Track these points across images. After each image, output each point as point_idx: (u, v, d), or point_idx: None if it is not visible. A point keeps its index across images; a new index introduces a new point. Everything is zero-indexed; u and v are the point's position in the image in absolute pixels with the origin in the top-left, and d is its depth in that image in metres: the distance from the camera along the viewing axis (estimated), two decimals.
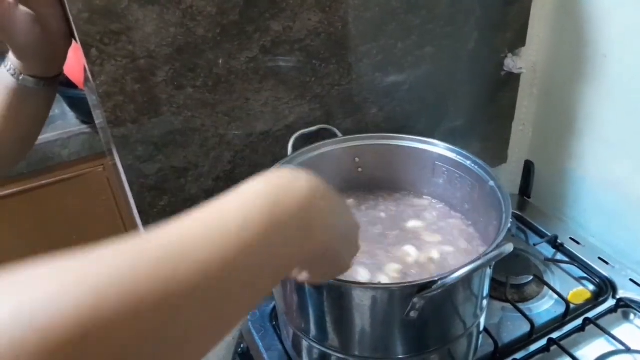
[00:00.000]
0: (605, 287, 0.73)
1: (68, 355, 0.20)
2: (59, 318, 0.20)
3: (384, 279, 0.58)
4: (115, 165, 0.64)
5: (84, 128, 1.07)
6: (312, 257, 0.36)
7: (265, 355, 0.67)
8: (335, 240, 0.37)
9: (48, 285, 0.22)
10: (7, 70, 0.54)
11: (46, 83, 0.55)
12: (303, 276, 0.42)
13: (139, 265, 0.24)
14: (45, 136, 1.04)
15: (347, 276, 0.58)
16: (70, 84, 0.96)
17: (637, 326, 0.68)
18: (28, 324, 0.20)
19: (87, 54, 0.51)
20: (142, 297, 0.23)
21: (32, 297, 0.21)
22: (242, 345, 0.78)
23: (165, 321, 0.24)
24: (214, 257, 0.26)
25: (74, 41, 0.54)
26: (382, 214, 0.68)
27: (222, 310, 0.27)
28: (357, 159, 0.68)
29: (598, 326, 0.66)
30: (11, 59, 0.54)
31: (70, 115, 1.12)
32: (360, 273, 0.58)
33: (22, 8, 0.50)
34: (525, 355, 0.64)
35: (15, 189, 1.05)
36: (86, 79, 0.58)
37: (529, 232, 0.86)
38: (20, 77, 0.53)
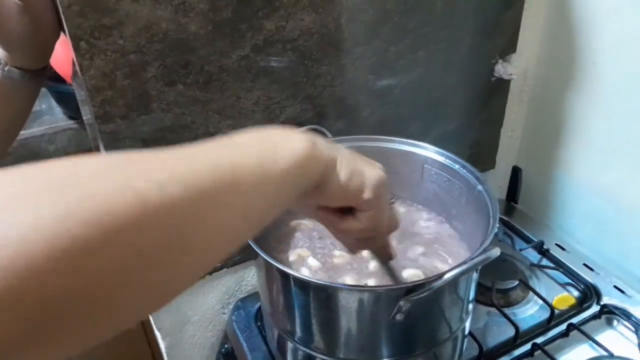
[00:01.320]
0: (589, 294, 0.73)
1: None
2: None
3: (370, 282, 0.58)
4: None
5: (71, 124, 1.06)
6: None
7: (249, 356, 0.66)
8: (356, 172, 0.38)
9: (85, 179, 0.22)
10: None
11: (32, 76, 0.54)
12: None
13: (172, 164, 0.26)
14: (31, 131, 1.02)
15: (334, 279, 0.58)
16: (58, 79, 0.95)
17: (620, 332, 0.69)
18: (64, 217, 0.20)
19: (76, 48, 0.50)
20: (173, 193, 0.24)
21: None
22: (226, 346, 0.77)
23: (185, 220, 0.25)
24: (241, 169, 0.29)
25: (62, 34, 0.53)
26: None
27: (243, 211, 0.29)
28: None
29: (582, 332, 0.67)
30: None
31: (58, 110, 1.10)
32: (345, 279, 0.58)
33: None
34: None
35: None
36: (74, 73, 0.57)
37: (516, 238, 0.87)
38: (5, 68, 0.53)
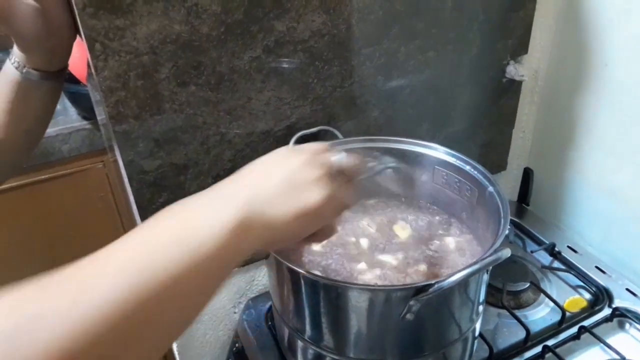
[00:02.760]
0: (601, 296, 0.73)
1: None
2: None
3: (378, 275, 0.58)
4: (115, 161, 0.64)
5: (85, 124, 1.07)
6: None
7: (260, 355, 0.67)
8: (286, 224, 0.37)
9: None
10: (12, 63, 0.54)
11: (50, 77, 0.55)
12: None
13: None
14: (46, 131, 1.04)
15: (348, 277, 0.58)
16: (72, 79, 0.97)
17: (632, 336, 0.68)
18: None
19: (91, 49, 0.51)
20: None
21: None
22: (237, 345, 0.78)
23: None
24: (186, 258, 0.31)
25: (77, 36, 0.54)
26: (379, 218, 0.68)
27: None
28: None
29: (593, 334, 0.66)
30: (15, 51, 0.54)
31: (72, 110, 1.12)
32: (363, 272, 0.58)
33: (26, 0, 0.50)
34: None
35: (14, 184, 1.05)
36: (89, 74, 0.58)
37: (527, 240, 0.87)
38: (24, 70, 0.53)
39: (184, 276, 0.30)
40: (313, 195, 0.38)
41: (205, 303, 0.34)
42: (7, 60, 0.54)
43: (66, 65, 0.58)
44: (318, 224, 0.41)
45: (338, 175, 0.40)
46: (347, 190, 0.42)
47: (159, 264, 0.30)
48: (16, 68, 0.53)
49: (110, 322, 0.26)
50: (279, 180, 0.37)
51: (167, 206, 0.34)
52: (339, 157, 0.42)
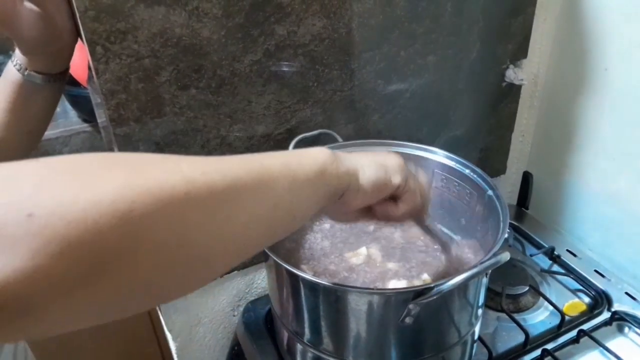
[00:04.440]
0: (600, 300, 0.73)
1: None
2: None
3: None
4: None
5: (85, 127, 1.07)
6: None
7: (259, 358, 0.67)
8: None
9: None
10: (14, 65, 0.54)
11: (51, 79, 0.55)
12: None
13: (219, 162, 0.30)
14: (46, 133, 1.03)
15: (345, 280, 0.58)
16: (72, 82, 0.97)
17: (631, 339, 0.68)
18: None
19: (92, 52, 0.51)
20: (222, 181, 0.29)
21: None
22: (236, 348, 0.78)
23: (232, 207, 0.29)
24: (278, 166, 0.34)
25: (79, 39, 0.55)
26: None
27: (274, 210, 0.33)
28: None
29: (592, 338, 0.66)
30: (17, 54, 0.54)
31: (72, 113, 1.12)
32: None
33: (27, 3, 0.50)
34: None
35: None
36: (90, 77, 0.59)
37: (526, 243, 0.87)
38: (26, 72, 0.54)
39: (280, 181, 0.33)
40: (396, 177, 0.44)
41: (286, 225, 0.35)
42: (10, 62, 0.55)
43: (68, 67, 0.58)
44: (388, 206, 0.46)
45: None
46: (419, 202, 0.48)
47: (260, 163, 0.33)
48: (18, 70, 0.54)
49: (208, 186, 0.28)
50: (372, 157, 0.44)
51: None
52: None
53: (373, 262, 0.61)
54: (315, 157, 0.37)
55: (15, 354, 0.64)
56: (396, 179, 0.44)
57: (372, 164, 0.42)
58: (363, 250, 0.63)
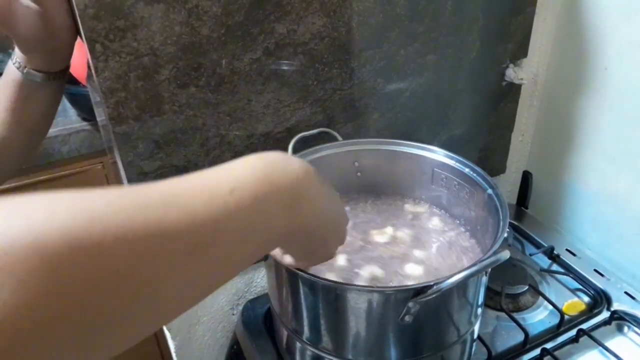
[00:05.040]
0: (600, 299, 0.73)
1: (61, 263, 0.21)
2: (55, 227, 0.22)
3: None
4: (115, 163, 0.64)
5: (84, 125, 1.07)
6: (296, 237, 0.37)
7: (258, 357, 0.67)
8: (321, 225, 0.38)
9: (49, 204, 0.23)
10: (13, 64, 0.54)
11: (51, 77, 0.55)
12: (287, 259, 0.44)
13: (132, 203, 0.25)
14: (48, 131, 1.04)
15: (347, 279, 0.58)
16: (71, 81, 0.97)
17: (630, 339, 0.68)
18: (25, 230, 0.21)
19: (91, 50, 0.51)
20: (131, 228, 0.24)
21: (32, 211, 0.22)
22: (235, 347, 0.77)
23: (147, 261, 0.24)
24: (200, 210, 0.27)
25: (78, 37, 0.54)
26: (379, 219, 0.68)
27: (201, 266, 0.28)
28: (356, 163, 0.69)
29: (592, 338, 0.66)
30: (17, 52, 0.54)
31: (71, 111, 1.12)
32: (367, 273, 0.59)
33: (25, 1, 0.50)
34: None
35: (14, 184, 1.05)
36: (89, 75, 0.59)
37: (526, 243, 0.87)
38: (25, 71, 0.54)
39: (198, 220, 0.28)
40: (334, 248, 0.44)
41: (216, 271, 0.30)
42: (9, 60, 0.55)
43: (68, 66, 0.58)
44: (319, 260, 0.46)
45: None
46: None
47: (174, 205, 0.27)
48: (17, 68, 0.54)
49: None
50: (332, 209, 0.40)
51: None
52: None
53: (398, 242, 0.63)
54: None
55: None
56: (334, 249, 0.45)
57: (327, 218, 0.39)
58: (389, 229, 0.63)
